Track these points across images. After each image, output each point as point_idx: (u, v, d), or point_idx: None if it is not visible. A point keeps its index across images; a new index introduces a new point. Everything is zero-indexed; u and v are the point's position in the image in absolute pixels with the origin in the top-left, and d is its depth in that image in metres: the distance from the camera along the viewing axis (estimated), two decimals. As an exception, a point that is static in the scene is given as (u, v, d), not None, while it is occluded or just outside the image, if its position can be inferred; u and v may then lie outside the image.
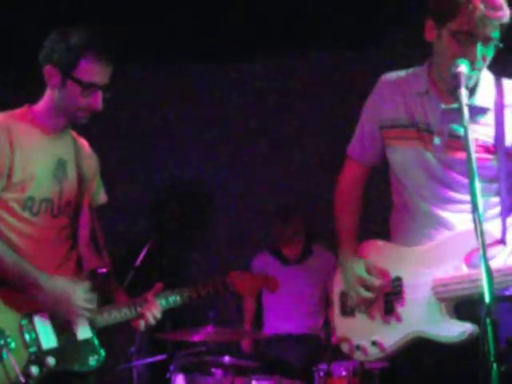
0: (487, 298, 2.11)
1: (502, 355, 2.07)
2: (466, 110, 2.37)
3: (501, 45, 2.59)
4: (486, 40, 2.56)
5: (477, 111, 2.66)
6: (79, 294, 2.86)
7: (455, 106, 2.51)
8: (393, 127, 2.80)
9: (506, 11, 2.55)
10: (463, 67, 2.52)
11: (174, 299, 3.08)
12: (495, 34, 2.56)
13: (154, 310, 3.01)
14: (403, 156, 2.77)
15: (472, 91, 2.66)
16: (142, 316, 3.01)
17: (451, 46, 2.59)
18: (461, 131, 2.59)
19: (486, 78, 2.73)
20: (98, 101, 2.89)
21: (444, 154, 2.68)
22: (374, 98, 2.88)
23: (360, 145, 2.94)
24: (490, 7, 2.52)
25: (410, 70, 2.83)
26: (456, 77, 2.50)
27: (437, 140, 2.69)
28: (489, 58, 2.62)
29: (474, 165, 2.28)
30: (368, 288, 2.79)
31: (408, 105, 2.76)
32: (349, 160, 3.00)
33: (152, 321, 3.01)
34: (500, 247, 2.63)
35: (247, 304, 5.63)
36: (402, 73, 2.85)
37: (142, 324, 3.01)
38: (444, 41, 2.60)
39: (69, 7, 4.96)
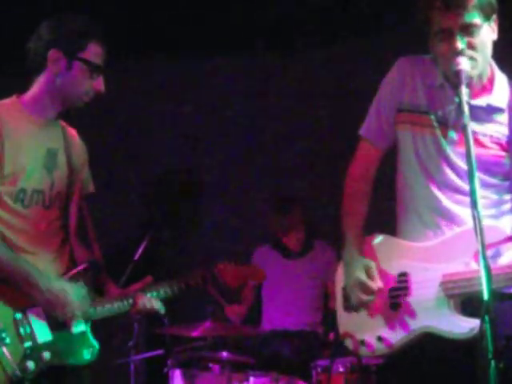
0: (486, 296, 2.12)
1: (501, 352, 2.08)
2: (466, 108, 2.39)
3: (491, 22, 2.61)
4: (463, 28, 2.57)
5: (493, 110, 2.69)
6: (75, 293, 2.83)
7: (469, 101, 2.51)
8: (411, 112, 2.77)
9: None
10: (464, 64, 2.53)
11: (163, 291, 3.05)
12: (470, 17, 2.56)
13: (146, 300, 2.98)
14: (420, 142, 2.74)
15: (489, 91, 2.70)
16: (134, 305, 2.97)
17: (438, 46, 2.63)
18: (475, 127, 2.62)
19: (501, 78, 2.75)
20: (102, 83, 2.90)
21: (459, 148, 2.67)
22: (394, 77, 2.83)
23: (376, 124, 2.87)
24: None
25: (427, 58, 2.78)
26: (457, 74, 2.52)
27: (452, 134, 2.70)
28: (480, 44, 2.61)
29: (474, 161, 2.29)
30: (366, 291, 2.75)
31: (427, 93, 2.75)
32: (363, 142, 2.92)
33: (145, 307, 2.98)
34: (510, 244, 2.63)
35: (246, 294, 5.60)
36: (421, 58, 2.80)
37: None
38: (434, 43, 2.64)
39: (69, 6, 4.96)
